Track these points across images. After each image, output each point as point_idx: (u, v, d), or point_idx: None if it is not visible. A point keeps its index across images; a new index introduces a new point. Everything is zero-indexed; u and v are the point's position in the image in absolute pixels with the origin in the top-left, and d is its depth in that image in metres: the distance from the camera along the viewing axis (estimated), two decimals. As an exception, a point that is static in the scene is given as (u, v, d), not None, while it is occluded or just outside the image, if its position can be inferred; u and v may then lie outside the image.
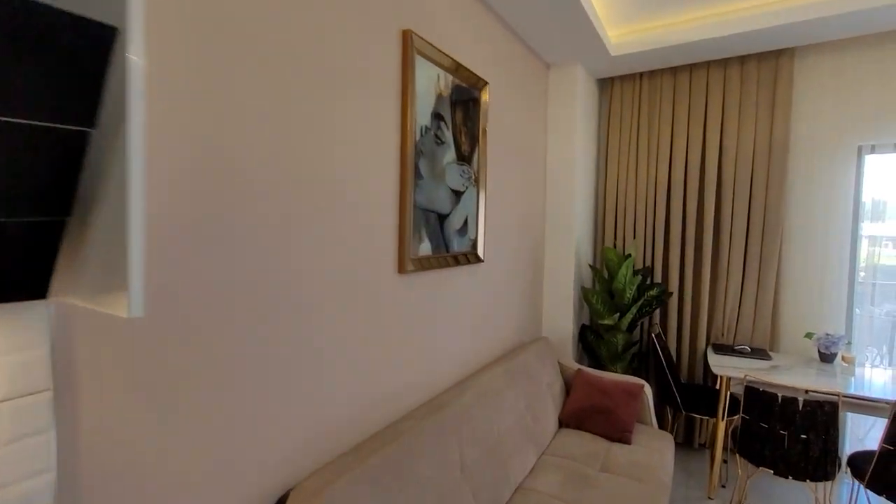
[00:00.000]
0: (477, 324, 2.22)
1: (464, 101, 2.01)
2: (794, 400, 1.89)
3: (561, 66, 2.98)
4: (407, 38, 1.60)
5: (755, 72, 2.83)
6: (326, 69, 1.32)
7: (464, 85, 2.00)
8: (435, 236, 1.84)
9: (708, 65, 2.96)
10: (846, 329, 2.76)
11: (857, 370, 2.55)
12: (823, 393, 1.86)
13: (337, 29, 1.35)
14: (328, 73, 1.32)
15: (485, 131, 2.19)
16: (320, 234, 1.31)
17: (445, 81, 1.86)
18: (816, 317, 2.79)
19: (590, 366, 3.07)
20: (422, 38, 1.68)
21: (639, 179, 3.20)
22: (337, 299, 1.38)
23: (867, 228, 2.73)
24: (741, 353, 2.74)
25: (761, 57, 2.81)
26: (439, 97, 1.82)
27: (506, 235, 2.51)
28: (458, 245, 2.01)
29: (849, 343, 2.60)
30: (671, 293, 2.88)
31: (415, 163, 1.69)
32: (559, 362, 2.70)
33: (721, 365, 2.56)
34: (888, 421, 1.78)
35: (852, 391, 2.15)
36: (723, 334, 2.98)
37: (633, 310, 2.72)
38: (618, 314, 2.74)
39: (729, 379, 2.47)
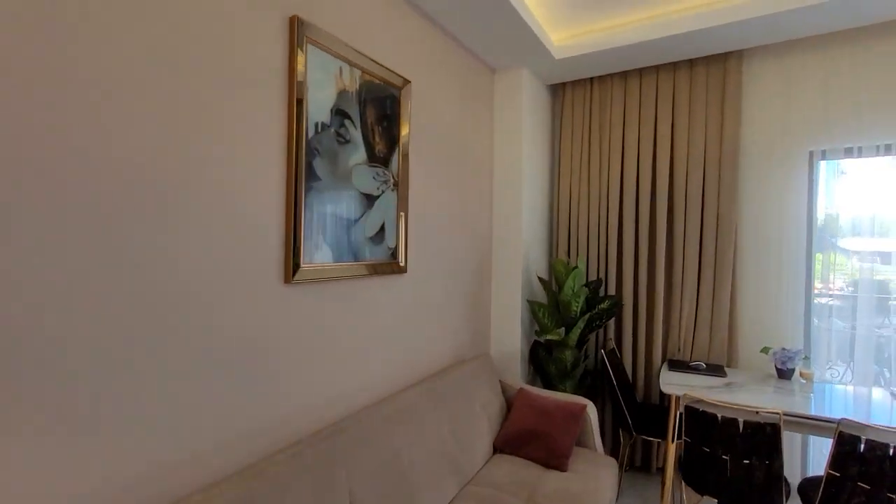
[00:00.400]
0: (398, 339, 2.04)
1: (378, 99, 1.87)
2: (735, 421, 1.73)
3: (506, 71, 2.88)
4: (294, 24, 1.47)
5: (704, 76, 2.75)
6: (183, 50, 1.17)
7: (377, 82, 1.86)
8: (338, 243, 1.68)
9: (657, 69, 2.87)
10: (805, 343, 2.61)
11: (817, 386, 2.40)
12: (765, 412, 1.70)
13: (200, 4, 1.21)
14: (186, 56, 1.18)
15: (408, 132, 2.05)
16: (162, 239, 1.14)
17: (351, 76, 1.73)
18: (774, 330, 2.64)
19: (542, 385, 2.89)
20: (316, 27, 1.55)
21: (591, 188, 3.07)
22: (196, 311, 1.21)
23: (852, 243, 2.55)
24: (696, 370, 2.58)
25: (709, 60, 2.73)
26: (342, 93, 1.69)
27: (439, 244, 2.35)
28: (371, 253, 1.85)
29: (806, 358, 2.44)
30: (621, 305, 2.72)
31: (307, 162, 1.54)
32: (501, 381, 2.52)
33: (673, 383, 2.39)
34: (832, 443, 1.61)
35: (813, 411, 1.99)
36: (679, 349, 2.82)
37: (581, 324, 2.56)
38: (563, 329, 2.57)
39: (678, 398, 2.29)
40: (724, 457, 1.78)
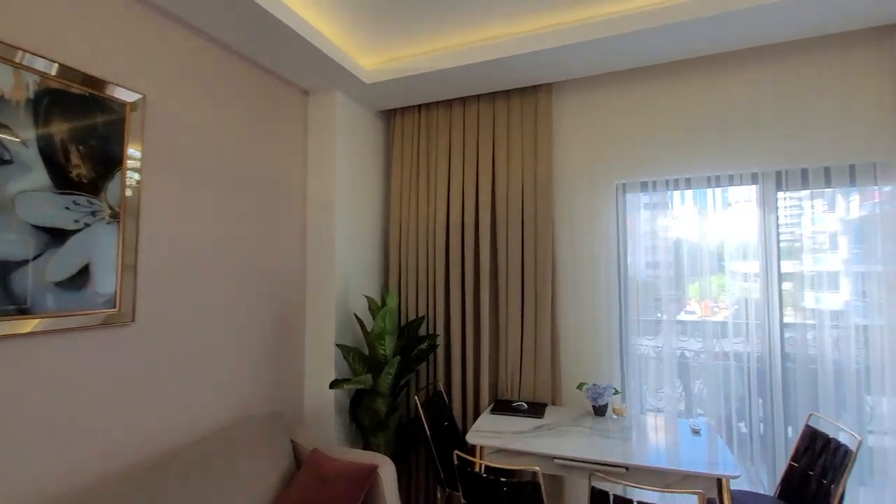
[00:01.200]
0: (118, 410, 1.63)
1: (78, 111, 1.53)
2: (497, 480, 1.53)
3: (319, 94, 2.67)
4: None
5: (519, 107, 2.73)
6: None
7: (77, 91, 1.53)
8: (-20, 292, 1.28)
9: (478, 99, 2.83)
10: (620, 375, 2.57)
11: (631, 421, 2.33)
12: (522, 468, 1.52)
13: None
14: None
15: (141, 155, 1.72)
16: None
17: (18, 82, 1.37)
18: (593, 363, 2.58)
19: (361, 439, 2.57)
20: (-70, 15, 1.20)
21: (419, 220, 2.91)
22: None
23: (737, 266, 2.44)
24: (517, 411, 2.43)
25: (523, 92, 2.72)
26: (-3, 101, 1.33)
27: (207, 285, 2.00)
28: (58, 303, 1.46)
29: (616, 392, 2.38)
30: (437, 345, 2.53)
31: None
32: (295, 441, 2.17)
33: (481, 430, 2.20)
34: (588, 493, 1.46)
35: (640, 458, 1.85)
36: (508, 389, 2.67)
37: (390, 368, 2.31)
38: (370, 374, 2.30)
39: (482, 448, 2.10)
40: (493, 523, 1.57)
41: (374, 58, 2.59)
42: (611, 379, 2.52)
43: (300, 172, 2.63)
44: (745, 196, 2.45)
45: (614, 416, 2.37)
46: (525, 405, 2.47)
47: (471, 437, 2.11)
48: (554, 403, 2.59)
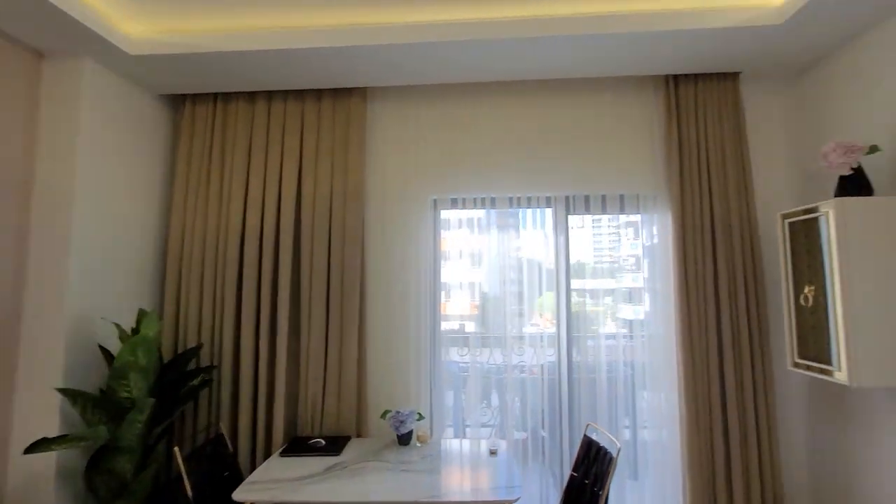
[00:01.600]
0: None
1: None
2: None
3: (58, 58, 2.05)
4: None
5: (330, 109, 2.50)
6: None
7: None
8: None
9: (286, 96, 2.51)
10: (429, 397, 2.46)
11: (437, 448, 2.20)
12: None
13: None
14: None
15: None
16: None
17: None
18: (404, 387, 2.42)
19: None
20: None
21: (209, 228, 2.44)
22: None
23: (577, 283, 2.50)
24: (313, 450, 2.12)
25: (336, 94, 2.50)
26: None
27: None
28: None
29: (420, 418, 2.26)
30: (211, 379, 2.10)
31: None
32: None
33: (259, 480, 1.83)
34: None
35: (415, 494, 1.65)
36: (308, 423, 2.34)
37: (138, 415, 1.79)
38: (107, 425, 1.76)
39: (253, 505, 1.73)
40: None
41: (145, 25, 2.10)
42: (420, 402, 2.39)
43: (25, 157, 1.96)
44: (577, 221, 2.58)
45: (419, 444, 2.23)
46: (323, 441, 2.18)
47: (239, 493, 1.72)
48: (359, 435, 2.35)
